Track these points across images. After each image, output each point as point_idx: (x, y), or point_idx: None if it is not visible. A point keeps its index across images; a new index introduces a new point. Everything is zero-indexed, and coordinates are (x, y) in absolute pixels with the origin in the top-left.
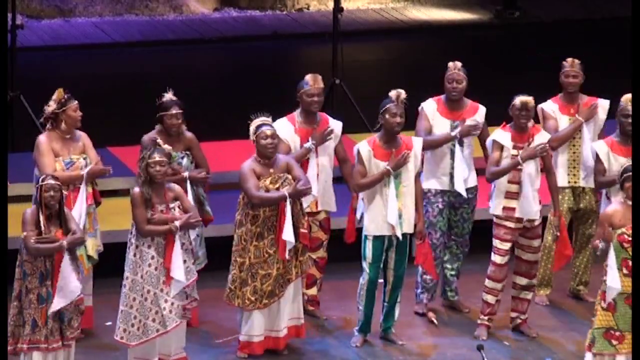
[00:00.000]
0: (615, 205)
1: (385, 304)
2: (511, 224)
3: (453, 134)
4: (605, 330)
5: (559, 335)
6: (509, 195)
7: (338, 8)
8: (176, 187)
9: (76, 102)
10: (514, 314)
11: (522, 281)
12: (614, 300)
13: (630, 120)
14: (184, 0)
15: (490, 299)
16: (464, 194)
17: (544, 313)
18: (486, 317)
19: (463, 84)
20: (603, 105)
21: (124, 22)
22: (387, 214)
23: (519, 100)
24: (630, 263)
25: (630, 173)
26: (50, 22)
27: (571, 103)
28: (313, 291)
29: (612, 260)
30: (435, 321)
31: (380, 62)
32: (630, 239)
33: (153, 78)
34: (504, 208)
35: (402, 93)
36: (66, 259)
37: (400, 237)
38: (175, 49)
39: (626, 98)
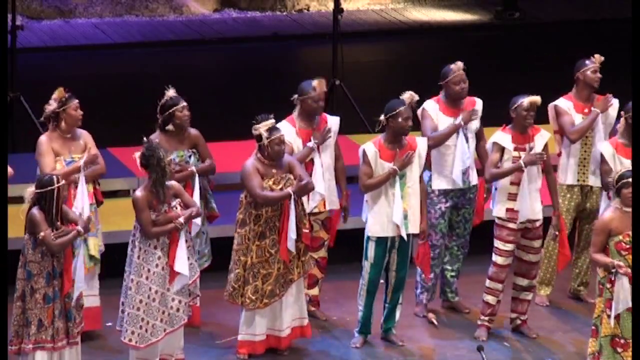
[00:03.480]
0: (611, 212)
1: (387, 305)
2: (514, 225)
3: (457, 122)
4: (611, 338)
5: (559, 335)
6: (512, 196)
7: (338, 9)
8: (174, 184)
9: (76, 101)
10: (513, 315)
11: (523, 282)
12: None
13: None
14: (184, 1)
15: (491, 299)
16: (460, 182)
17: (544, 314)
18: (486, 318)
19: (467, 82)
20: (614, 104)
21: (124, 23)
22: (393, 214)
23: (527, 100)
24: (629, 271)
25: (628, 179)
26: (50, 23)
27: (586, 102)
28: (315, 291)
29: (622, 282)
30: (435, 322)
31: (380, 63)
32: (627, 246)
33: (153, 79)
34: (507, 210)
35: (415, 97)
36: (80, 255)
37: (405, 238)
38: (176, 49)
39: None
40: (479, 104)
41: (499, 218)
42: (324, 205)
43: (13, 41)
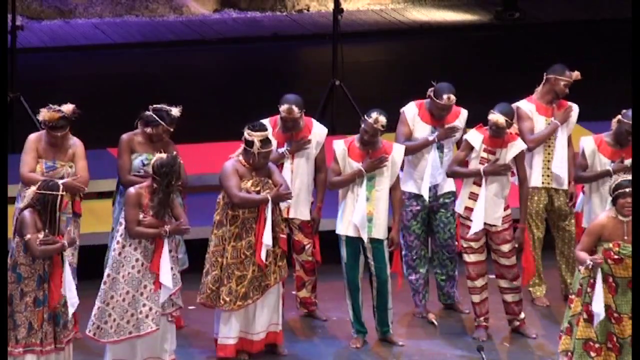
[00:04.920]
0: (605, 218)
1: (375, 309)
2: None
3: (431, 138)
4: (584, 342)
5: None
6: (472, 196)
7: (338, 9)
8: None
9: (60, 133)
10: (509, 317)
11: (505, 284)
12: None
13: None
14: (184, 1)
15: (475, 298)
16: (426, 197)
17: (543, 313)
18: (481, 318)
19: (450, 111)
20: (575, 109)
21: (123, 23)
22: (354, 214)
23: (492, 116)
24: (611, 279)
25: (625, 190)
26: (50, 23)
27: (548, 105)
28: (303, 293)
29: (599, 286)
30: (435, 322)
31: (380, 63)
32: (615, 256)
33: (153, 79)
34: (466, 208)
35: (381, 121)
36: (67, 267)
37: (366, 240)
38: (175, 50)
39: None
40: (462, 116)
41: (460, 216)
42: (288, 212)
43: (13, 41)
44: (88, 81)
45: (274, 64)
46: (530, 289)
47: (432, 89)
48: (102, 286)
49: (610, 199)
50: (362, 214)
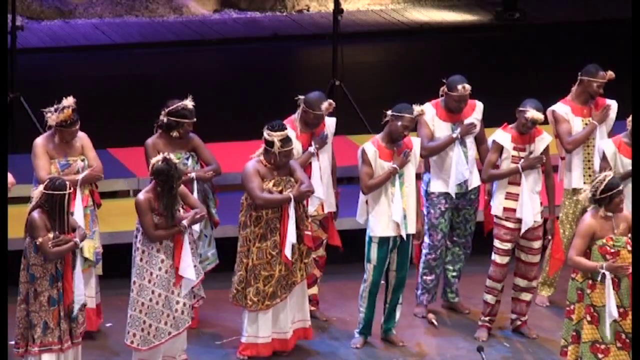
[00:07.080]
0: (593, 218)
1: (387, 305)
2: (510, 224)
3: (454, 135)
4: (591, 344)
5: (559, 336)
6: (510, 196)
7: (338, 9)
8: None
9: (77, 127)
10: (513, 316)
11: (522, 282)
12: (597, 313)
13: None
14: (184, 1)
15: (490, 298)
16: (453, 195)
17: (544, 314)
18: (487, 318)
19: (467, 102)
20: (612, 107)
21: (124, 24)
22: (393, 212)
23: (531, 114)
24: (613, 275)
25: (619, 189)
26: (50, 24)
27: (584, 105)
28: (314, 290)
29: (610, 291)
30: (435, 322)
31: (380, 64)
32: (612, 250)
33: (153, 79)
34: (505, 209)
35: (424, 112)
36: (78, 265)
37: (405, 237)
38: (175, 50)
39: None
40: (478, 108)
41: (497, 217)
42: (322, 208)
43: (13, 41)
44: (88, 81)
45: (274, 64)
46: (540, 286)
47: (445, 85)
48: (131, 294)
49: (605, 198)
50: (401, 211)
